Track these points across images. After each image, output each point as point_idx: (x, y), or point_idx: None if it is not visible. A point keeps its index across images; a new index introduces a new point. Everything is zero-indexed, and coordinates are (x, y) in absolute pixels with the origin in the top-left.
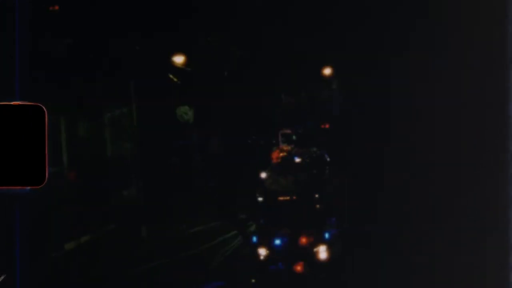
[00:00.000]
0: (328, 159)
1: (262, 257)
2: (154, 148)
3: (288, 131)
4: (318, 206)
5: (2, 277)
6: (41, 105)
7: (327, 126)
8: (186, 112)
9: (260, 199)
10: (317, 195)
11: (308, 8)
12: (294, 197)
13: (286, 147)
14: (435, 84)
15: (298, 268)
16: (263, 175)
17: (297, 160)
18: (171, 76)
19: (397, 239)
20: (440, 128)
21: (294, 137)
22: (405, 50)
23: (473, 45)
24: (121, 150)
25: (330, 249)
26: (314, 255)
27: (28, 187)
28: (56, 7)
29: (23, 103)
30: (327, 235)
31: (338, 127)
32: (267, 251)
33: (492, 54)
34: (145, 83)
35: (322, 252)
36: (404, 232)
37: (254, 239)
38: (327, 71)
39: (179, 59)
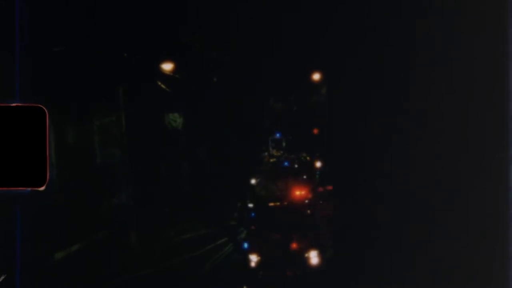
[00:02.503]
0: (318, 165)
1: (253, 264)
2: (143, 155)
3: (278, 137)
4: (309, 211)
5: (2, 277)
6: (42, 106)
7: (317, 131)
8: (175, 119)
9: (250, 205)
10: (307, 200)
11: (299, 11)
12: (285, 203)
13: (276, 153)
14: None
15: (290, 273)
16: (253, 181)
17: (287, 165)
18: (159, 83)
19: (393, 241)
20: (439, 128)
21: (284, 143)
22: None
23: (473, 45)
24: (110, 157)
25: (321, 254)
26: (306, 260)
27: (29, 189)
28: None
29: (23, 104)
30: (318, 240)
31: (329, 132)
32: (259, 257)
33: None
34: (134, 90)
35: (314, 257)
36: (402, 233)
37: (245, 245)
38: (316, 75)
39: (168, 66)
